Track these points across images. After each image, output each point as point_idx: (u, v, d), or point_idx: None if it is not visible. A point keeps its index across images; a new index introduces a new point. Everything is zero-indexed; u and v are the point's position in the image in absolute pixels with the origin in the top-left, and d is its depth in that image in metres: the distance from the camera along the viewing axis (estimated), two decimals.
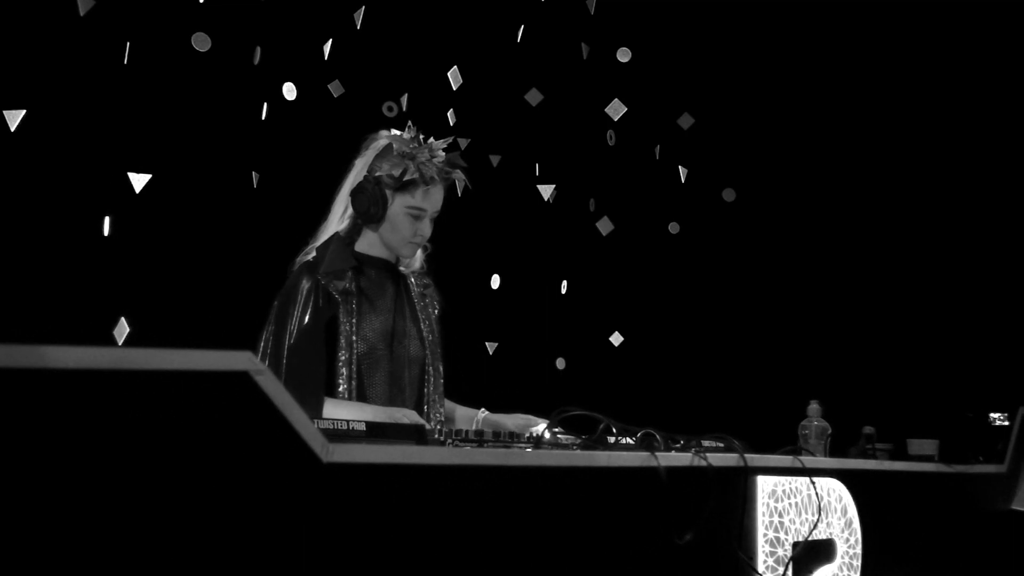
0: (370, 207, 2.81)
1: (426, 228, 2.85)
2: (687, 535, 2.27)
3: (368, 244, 2.88)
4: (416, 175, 2.79)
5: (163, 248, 3.98)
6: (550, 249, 5.09)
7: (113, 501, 1.40)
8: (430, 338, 2.92)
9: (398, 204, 2.82)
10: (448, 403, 2.99)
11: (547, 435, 2.29)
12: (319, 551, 1.64)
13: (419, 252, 2.97)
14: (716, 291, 5.53)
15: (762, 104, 5.47)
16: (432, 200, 2.84)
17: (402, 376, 2.84)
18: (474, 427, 2.82)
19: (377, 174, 2.81)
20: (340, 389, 2.73)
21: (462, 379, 3.21)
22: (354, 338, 2.76)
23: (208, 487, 1.50)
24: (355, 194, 2.83)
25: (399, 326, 2.86)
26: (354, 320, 2.77)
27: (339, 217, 2.88)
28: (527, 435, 2.32)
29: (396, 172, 2.79)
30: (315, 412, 2.47)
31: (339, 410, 2.60)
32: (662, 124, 5.29)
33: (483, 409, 2.93)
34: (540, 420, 2.67)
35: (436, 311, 2.99)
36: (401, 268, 2.96)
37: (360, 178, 2.84)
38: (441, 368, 2.95)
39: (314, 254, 2.83)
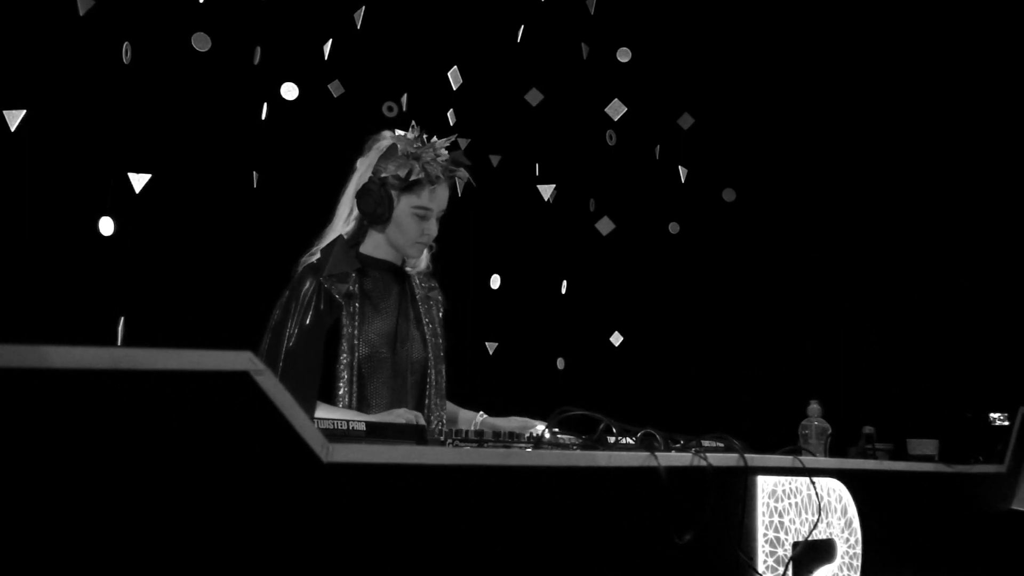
0: (376, 208, 2.80)
1: (432, 228, 2.85)
2: (687, 535, 2.27)
3: (373, 246, 2.88)
4: (422, 175, 2.79)
5: (163, 248, 3.98)
6: (550, 249, 5.09)
7: (113, 501, 1.40)
8: (433, 340, 2.91)
9: (404, 204, 2.81)
10: (450, 406, 2.99)
11: (547, 435, 2.29)
12: (319, 551, 1.64)
13: (425, 252, 2.97)
14: (716, 291, 5.53)
15: (762, 104, 5.47)
16: (438, 199, 2.83)
17: (404, 379, 2.83)
18: (473, 428, 2.82)
19: (383, 175, 2.80)
20: (340, 392, 2.72)
21: (462, 380, 3.21)
22: (356, 341, 2.75)
23: (208, 487, 1.50)
24: (361, 195, 2.82)
25: (402, 329, 2.85)
26: (357, 323, 2.76)
27: (344, 219, 2.87)
28: (527, 435, 2.32)
29: (402, 172, 2.78)
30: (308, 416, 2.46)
31: (331, 415, 2.59)
32: (662, 124, 5.29)
33: (481, 412, 2.92)
34: (538, 422, 2.67)
35: (441, 312, 2.99)
36: (407, 269, 2.95)
37: (365, 179, 2.83)
38: (444, 370, 2.94)
39: (318, 256, 2.81)
